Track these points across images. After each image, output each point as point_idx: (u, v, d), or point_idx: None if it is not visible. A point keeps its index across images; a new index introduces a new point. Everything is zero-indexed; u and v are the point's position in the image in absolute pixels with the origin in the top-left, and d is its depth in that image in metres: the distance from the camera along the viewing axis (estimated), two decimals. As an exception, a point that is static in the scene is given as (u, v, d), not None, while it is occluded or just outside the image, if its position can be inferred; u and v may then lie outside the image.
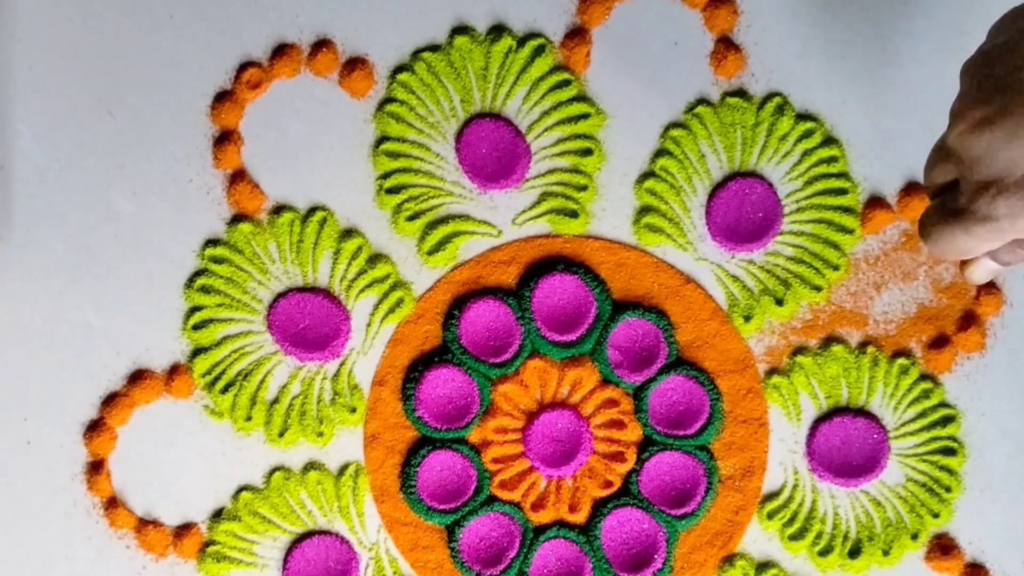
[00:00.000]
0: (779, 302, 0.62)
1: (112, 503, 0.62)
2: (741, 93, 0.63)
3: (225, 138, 0.63)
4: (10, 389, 0.62)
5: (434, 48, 0.63)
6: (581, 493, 0.62)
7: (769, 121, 0.63)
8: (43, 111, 0.63)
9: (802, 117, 0.63)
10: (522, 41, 0.63)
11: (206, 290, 0.62)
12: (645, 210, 0.63)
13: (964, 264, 0.50)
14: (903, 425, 0.62)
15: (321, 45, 0.63)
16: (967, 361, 0.63)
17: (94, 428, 0.62)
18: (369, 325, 0.63)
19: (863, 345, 0.63)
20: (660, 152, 0.63)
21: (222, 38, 0.63)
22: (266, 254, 0.63)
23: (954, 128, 0.44)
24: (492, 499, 0.62)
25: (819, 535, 0.62)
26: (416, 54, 0.63)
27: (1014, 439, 0.62)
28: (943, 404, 0.62)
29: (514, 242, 0.63)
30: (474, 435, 0.62)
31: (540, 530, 0.62)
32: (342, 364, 0.62)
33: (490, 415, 0.62)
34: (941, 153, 0.45)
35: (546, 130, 0.63)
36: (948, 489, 0.62)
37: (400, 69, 0.63)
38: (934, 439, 0.62)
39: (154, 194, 0.62)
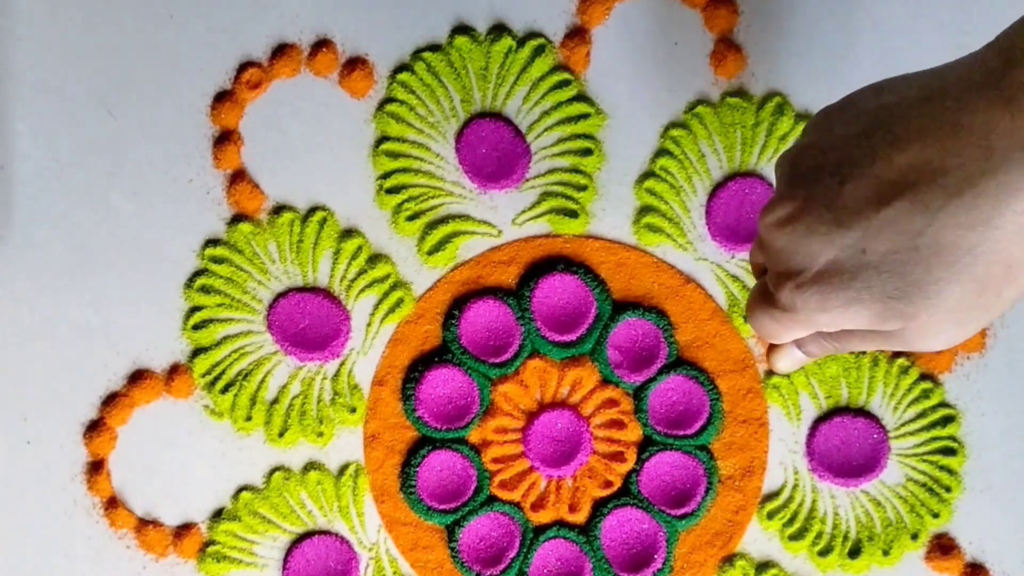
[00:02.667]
0: (779, 302, 0.62)
1: (112, 503, 0.62)
2: (741, 93, 0.63)
3: (225, 138, 0.63)
4: (10, 389, 0.62)
5: (434, 48, 0.63)
6: (581, 493, 0.62)
7: (769, 121, 0.63)
8: (43, 111, 0.63)
9: (802, 117, 0.63)
10: (522, 41, 0.63)
11: (206, 290, 0.62)
12: (645, 210, 0.63)
13: (771, 351, 0.51)
14: (903, 425, 0.62)
15: (321, 45, 0.63)
16: (967, 361, 0.63)
17: (94, 428, 0.62)
18: (369, 325, 0.63)
19: (863, 345, 0.63)
20: (660, 152, 0.63)
21: (222, 38, 0.63)
22: (266, 254, 0.63)
23: (762, 220, 0.45)
24: (492, 499, 0.62)
25: (819, 535, 0.62)
26: (416, 54, 0.63)
27: (1014, 439, 0.62)
28: (943, 404, 0.62)
29: (514, 242, 0.63)
30: (474, 435, 0.62)
31: (540, 530, 0.62)
32: (342, 364, 0.62)
33: (490, 415, 0.62)
34: (757, 240, 0.47)
35: (546, 130, 0.63)
36: (948, 489, 0.62)
37: (400, 69, 0.63)
38: (934, 439, 0.62)
39: (154, 194, 0.63)
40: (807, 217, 0.43)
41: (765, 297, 0.46)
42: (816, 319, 0.44)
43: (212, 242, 0.63)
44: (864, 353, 0.62)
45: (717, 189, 0.63)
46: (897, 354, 0.63)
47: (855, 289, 0.42)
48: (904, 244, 0.41)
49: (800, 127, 0.63)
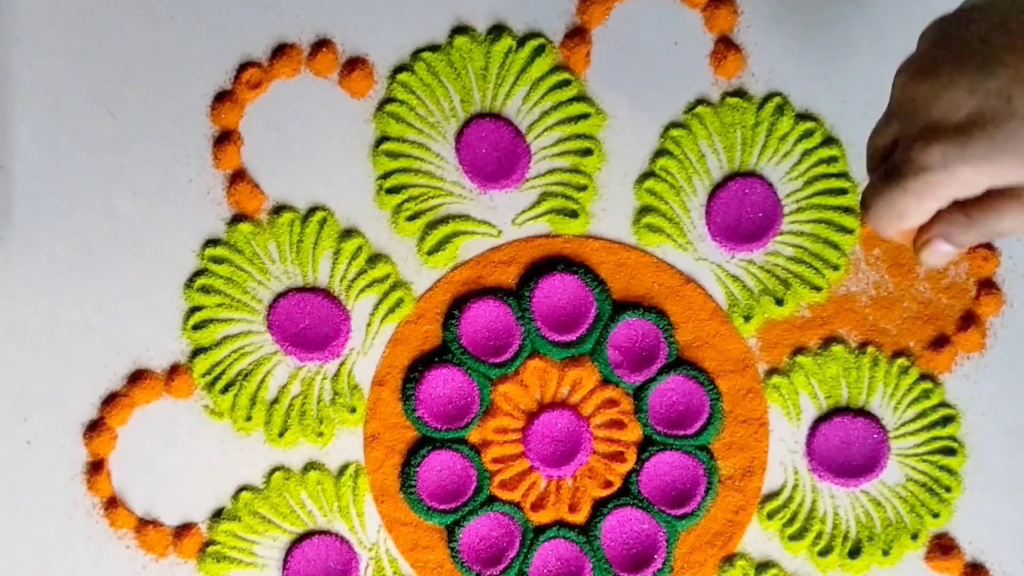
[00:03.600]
0: (779, 302, 0.62)
1: (112, 503, 0.62)
2: (741, 93, 0.63)
3: (225, 138, 0.63)
4: (10, 389, 0.62)
5: (434, 48, 0.63)
6: (581, 493, 0.62)
7: (769, 121, 0.63)
8: (43, 111, 0.63)
9: (802, 117, 0.63)
10: (522, 41, 0.63)
11: (206, 290, 0.62)
12: (645, 210, 0.63)
13: (918, 244, 0.46)
14: (903, 425, 0.62)
15: (321, 45, 0.63)
16: (967, 361, 0.63)
17: (94, 428, 0.62)
18: (369, 325, 0.63)
19: (863, 345, 0.63)
20: (660, 152, 0.63)
21: (222, 38, 0.63)
22: (266, 254, 0.63)
23: (899, 76, 0.43)
24: (492, 499, 0.62)
25: (819, 535, 0.62)
26: (416, 54, 0.63)
27: (1014, 439, 0.62)
28: (943, 404, 0.62)
29: (514, 242, 0.63)
30: (474, 435, 0.62)
31: (540, 530, 0.62)
32: (342, 364, 0.62)
33: (490, 415, 0.62)
34: (885, 113, 0.44)
35: (546, 130, 0.63)
36: (948, 489, 0.62)
37: (400, 69, 0.63)
38: (934, 439, 0.62)
39: (154, 194, 0.62)
40: (949, 66, 0.41)
41: (888, 173, 0.43)
42: (956, 174, 0.41)
43: (212, 242, 0.63)
44: (864, 352, 0.62)
45: (717, 189, 0.63)
46: (897, 354, 0.63)
47: (1000, 138, 0.40)
48: None
49: (800, 127, 0.63)
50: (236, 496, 0.62)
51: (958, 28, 0.42)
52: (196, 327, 0.62)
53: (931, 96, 0.42)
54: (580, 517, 0.62)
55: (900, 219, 0.44)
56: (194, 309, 0.62)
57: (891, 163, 0.43)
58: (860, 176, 0.63)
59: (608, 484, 0.62)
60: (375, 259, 0.63)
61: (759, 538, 0.62)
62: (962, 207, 0.43)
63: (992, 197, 0.42)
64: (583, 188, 0.63)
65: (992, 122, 0.40)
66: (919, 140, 0.42)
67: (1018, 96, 0.40)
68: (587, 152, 0.63)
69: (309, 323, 0.62)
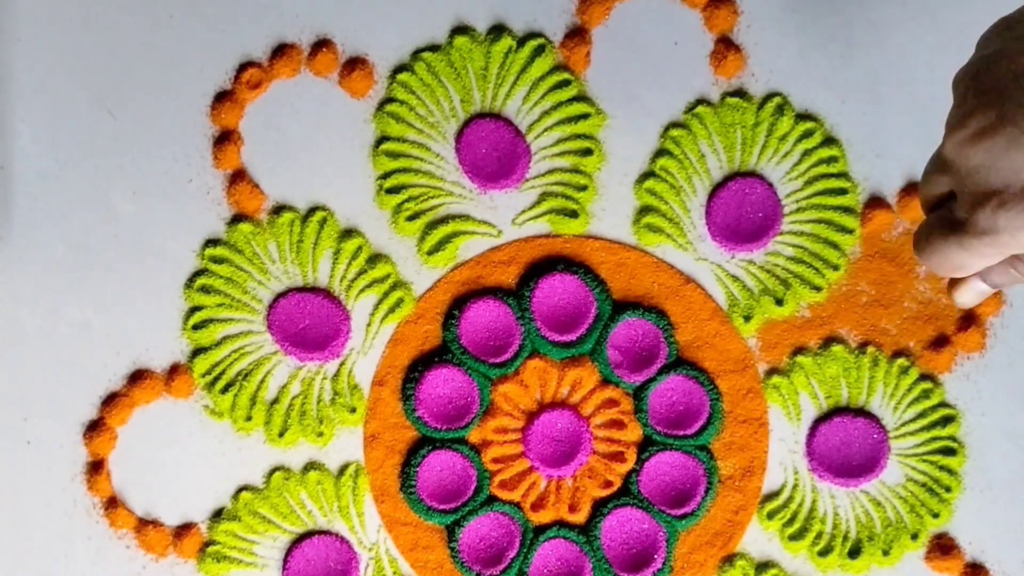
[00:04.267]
0: (779, 302, 0.63)
1: (112, 503, 0.62)
2: (741, 93, 0.63)
3: (225, 138, 0.63)
4: (10, 389, 0.62)
5: (434, 48, 0.63)
6: (581, 493, 0.62)
7: (769, 121, 0.63)
8: (43, 111, 0.63)
9: (802, 117, 0.63)
10: (522, 41, 0.63)
11: (206, 290, 0.62)
12: (645, 210, 0.63)
13: (953, 286, 0.48)
14: (903, 425, 0.62)
15: (321, 45, 0.63)
16: (967, 361, 0.63)
17: (94, 428, 0.62)
18: (369, 325, 0.63)
19: (863, 345, 0.63)
20: (660, 152, 0.63)
21: (222, 38, 0.63)
22: (266, 254, 0.63)
23: (951, 138, 0.42)
24: (492, 499, 0.62)
25: (819, 535, 0.62)
26: (416, 54, 0.63)
27: (1014, 439, 0.62)
28: (943, 404, 0.62)
29: (514, 242, 0.63)
30: (474, 435, 0.62)
31: (540, 530, 0.62)
32: (342, 364, 0.62)
33: (490, 415, 0.62)
34: (938, 164, 0.44)
35: (546, 130, 0.63)
36: (948, 489, 0.62)
37: (400, 69, 0.63)
38: (934, 439, 0.62)
39: (154, 194, 0.62)
40: (1006, 129, 0.40)
41: (949, 226, 0.43)
42: (1020, 239, 0.41)
43: (212, 242, 0.63)
44: (864, 352, 0.62)
45: (717, 189, 0.63)
46: (897, 354, 0.63)
47: None
48: None
49: (800, 127, 0.63)
50: (236, 496, 0.62)
51: (1001, 78, 0.41)
52: (196, 327, 0.62)
53: (990, 160, 0.41)
54: (580, 517, 0.62)
55: (957, 270, 0.44)
56: (194, 309, 0.62)
57: (953, 218, 0.43)
58: (860, 176, 0.63)
59: (608, 484, 0.62)
60: (375, 259, 0.63)
61: (759, 538, 0.62)
62: (1009, 260, 0.44)
63: None
64: (583, 188, 0.63)
65: None
66: (983, 204, 0.41)
67: None
68: (587, 152, 0.63)
69: (309, 323, 0.62)
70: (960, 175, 0.42)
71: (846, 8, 0.63)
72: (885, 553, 0.62)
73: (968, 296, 0.47)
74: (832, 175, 0.63)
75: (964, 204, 0.42)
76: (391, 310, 0.62)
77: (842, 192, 0.63)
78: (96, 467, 0.62)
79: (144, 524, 0.62)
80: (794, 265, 0.63)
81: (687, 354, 0.63)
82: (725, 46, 0.63)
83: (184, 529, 0.62)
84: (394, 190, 0.63)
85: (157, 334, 0.62)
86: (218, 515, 0.62)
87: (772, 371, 0.63)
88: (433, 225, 0.63)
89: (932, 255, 0.44)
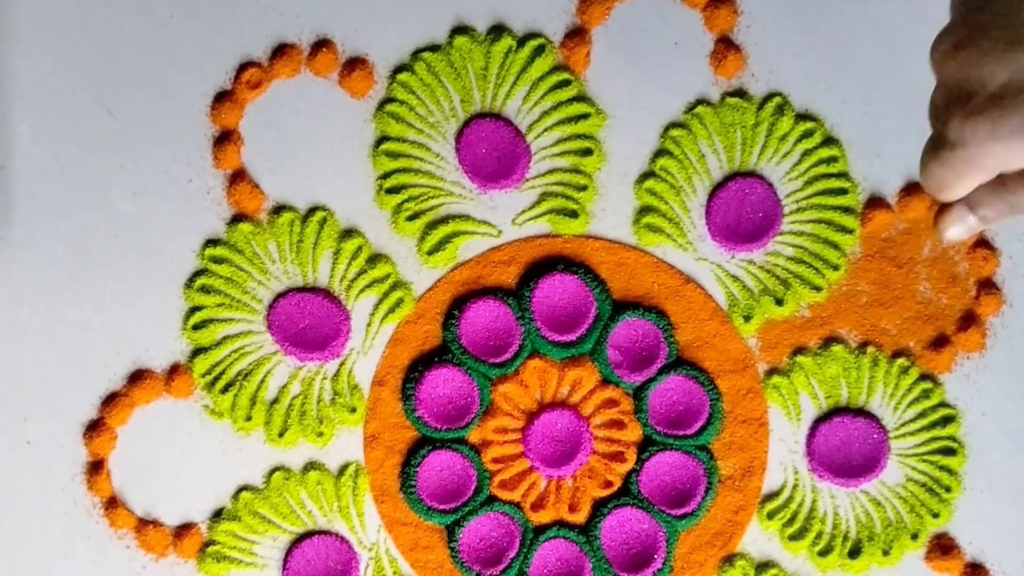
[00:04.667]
0: (779, 302, 0.63)
1: (112, 503, 0.62)
2: (741, 93, 0.63)
3: (225, 138, 0.63)
4: (10, 389, 0.62)
5: (434, 48, 0.63)
6: (581, 493, 0.62)
7: (769, 121, 0.63)
8: (43, 111, 0.63)
9: (802, 117, 0.63)
10: (522, 41, 0.63)
11: (206, 290, 0.62)
12: (645, 210, 0.63)
13: (940, 216, 0.46)
14: (903, 425, 0.62)
15: (321, 45, 0.63)
16: (967, 361, 0.63)
17: (94, 428, 0.62)
18: (369, 325, 0.63)
19: (863, 345, 0.63)
20: (660, 152, 0.63)
21: (222, 38, 0.63)
22: (266, 254, 0.63)
23: (934, 54, 0.42)
24: (492, 499, 0.62)
25: (819, 535, 0.62)
26: (416, 54, 0.63)
27: (1014, 439, 0.62)
28: (943, 404, 0.62)
29: (514, 242, 0.63)
30: (474, 435, 0.62)
31: (540, 530, 0.62)
32: (342, 364, 0.62)
33: (490, 415, 0.62)
34: (936, 86, 0.44)
35: (546, 130, 0.63)
36: (948, 489, 0.62)
37: (400, 69, 0.63)
38: (934, 439, 0.62)
39: (154, 194, 0.63)
40: (981, 40, 0.40)
41: (931, 143, 0.43)
42: (988, 150, 0.41)
43: (212, 242, 0.63)
44: (864, 352, 0.62)
45: (717, 189, 0.63)
46: (897, 354, 0.63)
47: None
48: None
49: (800, 127, 0.63)
50: (236, 496, 0.62)
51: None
52: (196, 327, 0.62)
53: (963, 70, 0.41)
54: (580, 517, 0.62)
55: (943, 190, 0.43)
56: (194, 309, 0.62)
57: (932, 135, 0.43)
58: (860, 176, 0.63)
59: (608, 484, 0.62)
60: (375, 259, 0.63)
61: (759, 538, 0.62)
62: (1000, 180, 0.43)
63: None
64: (583, 188, 0.63)
65: (1022, 96, 0.39)
66: (954, 115, 0.41)
67: None
68: (587, 152, 0.63)
69: (309, 323, 0.62)
70: (941, 84, 0.42)
71: (846, 8, 0.63)
72: (885, 553, 0.62)
73: (954, 228, 0.45)
74: (832, 175, 0.63)
75: (941, 118, 0.42)
76: (391, 310, 0.62)
77: (842, 192, 0.63)
78: (96, 467, 0.62)
79: (144, 524, 0.62)
80: (794, 265, 0.63)
81: (687, 354, 0.63)
82: (725, 46, 0.63)
83: (184, 529, 0.62)
84: (394, 190, 0.63)
85: (157, 334, 0.62)
86: (218, 515, 0.62)
87: (772, 371, 0.63)
88: (433, 225, 0.63)
89: (922, 175, 0.44)
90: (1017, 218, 0.46)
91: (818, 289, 0.63)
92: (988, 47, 0.40)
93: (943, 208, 0.45)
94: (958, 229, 0.45)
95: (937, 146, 0.42)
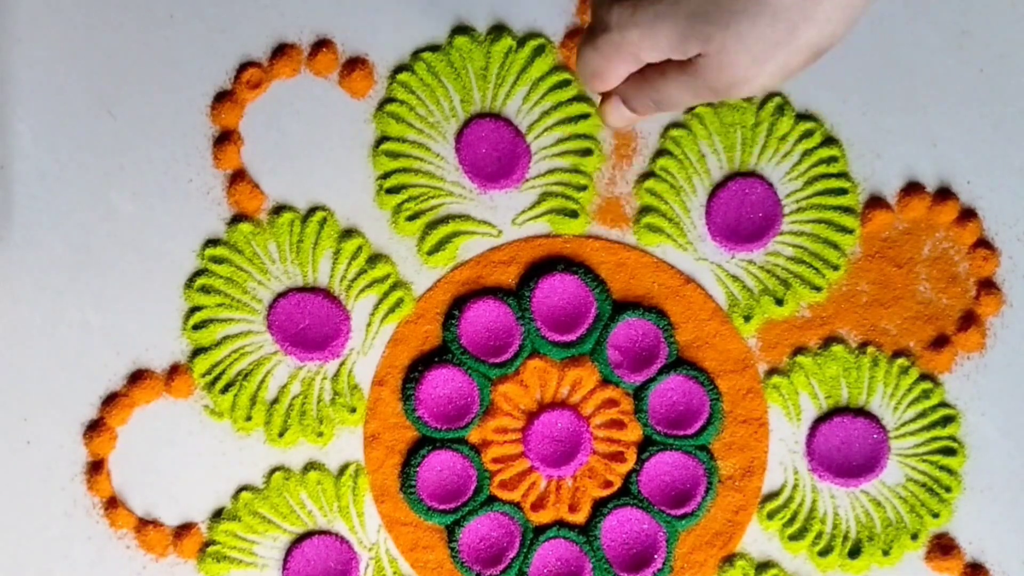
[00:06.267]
0: (779, 302, 0.63)
1: (112, 503, 0.62)
2: (741, 93, 0.63)
3: (225, 138, 0.63)
4: (10, 389, 0.62)
5: (434, 48, 0.63)
6: (581, 493, 0.62)
7: (769, 121, 0.63)
8: (43, 111, 0.63)
9: (802, 117, 0.63)
10: (522, 41, 0.63)
11: (206, 290, 0.62)
12: (645, 210, 0.63)
13: (602, 104, 0.49)
14: (903, 425, 0.62)
15: (321, 45, 0.63)
16: (967, 361, 0.63)
17: (94, 428, 0.62)
18: (369, 325, 0.63)
19: (863, 345, 0.63)
20: (660, 152, 0.63)
21: (222, 38, 0.63)
22: (266, 254, 0.63)
23: None
24: (492, 499, 0.62)
25: (819, 535, 0.62)
26: (416, 54, 0.63)
27: (1014, 439, 0.62)
28: (943, 404, 0.62)
29: (514, 242, 0.63)
30: (474, 435, 0.62)
31: (540, 530, 0.62)
32: (342, 364, 0.62)
33: (490, 415, 0.62)
34: None
35: (546, 130, 0.63)
36: (948, 489, 0.62)
37: (400, 69, 0.63)
38: (934, 439, 0.62)
39: (154, 194, 0.63)
40: None
41: (591, 29, 0.46)
42: (629, 36, 0.43)
43: (212, 242, 0.63)
44: (864, 352, 0.62)
45: (717, 189, 0.63)
46: (897, 354, 0.63)
47: (665, 3, 0.42)
48: None
49: (800, 127, 0.63)
50: (236, 496, 0.62)
51: None
52: (196, 327, 0.62)
53: None
54: (580, 517, 0.62)
55: (594, 78, 0.46)
56: (194, 309, 0.62)
57: (590, 22, 0.46)
58: (860, 176, 0.63)
59: (608, 484, 0.62)
60: (375, 259, 0.63)
61: (759, 538, 0.62)
62: (644, 73, 0.46)
63: (667, 64, 0.44)
64: (583, 188, 0.63)
65: None
66: (603, 2, 0.44)
67: None
68: (587, 152, 0.63)
69: (309, 323, 0.62)
70: None
71: (846, 8, 0.62)
72: (885, 553, 0.62)
73: (614, 115, 0.49)
74: (832, 175, 0.63)
75: (594, 3, 0.45)
76: (391, 310, 0.62)
77: (842, 192, 0.63)
78: (96, 467, 0.62)
79: (144, 524, 0.62)
80: (794, 265, 0.63)
81: (687, 354, 0.63)
82: (725, 46, 0.63)
83: (184, 529, 0.62)
84: (394, 190, 0.63)
85: (157, 334, 0.62)
86: (218, 515, 0.62)
87: (772, 371, 0.63)
88: (433, 225, 0.63)
89: (577, 63, 0.46)
90: (667, 113, 0.50)
91: (818, 289, 0.63)
92: None
93: (604, 97, 0.48)
94: (616, 116, 0.49)
95: (587, 29, 0.45)
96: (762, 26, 0.42)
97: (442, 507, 0.62)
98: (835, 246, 0.63)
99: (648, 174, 0.63)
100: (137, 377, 0.62)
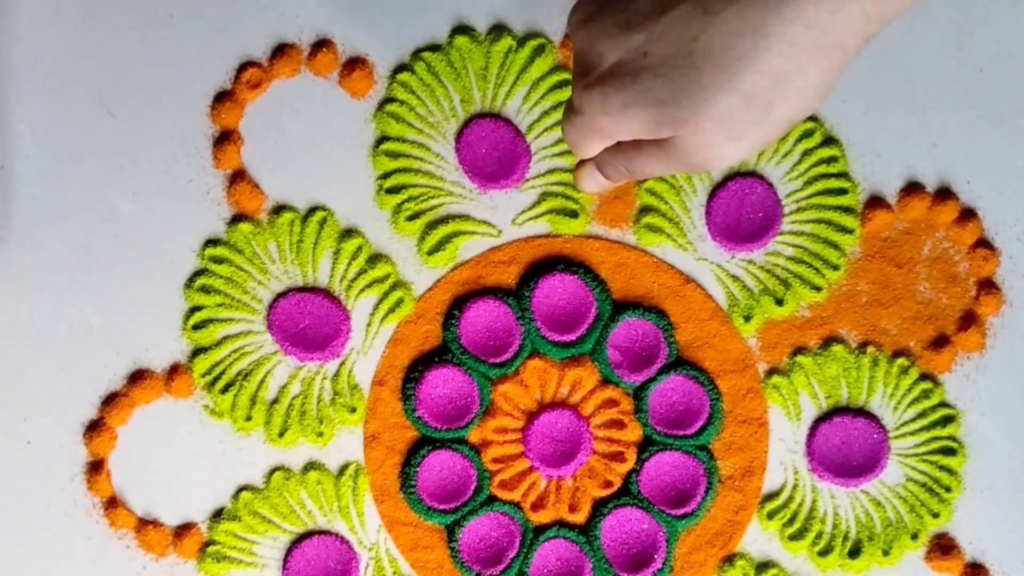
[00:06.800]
0: (779, 302, 0.63)
1: (112, 503, 0.62)
2: (741, 93, 0.63)
3: (225, 138, 0.63)
4: (10, 389, 0.62)
5: (434, 48, 0.63)
6: (581, 493, 0.62)
7: (769, 121, 0.63)
8: (43, 111, 0.63)
9: (802, 117, 0.63)
10: (522, 41, 0.63)
11: (206, 290, 0.62)
12: (645, 210, 0.63)
13: (578, 169, 0.50)
14: (903, 425, 0.62)
15: (321, 45, 0.63)
16: (967, 361, 0.63)
17: (94, 428, 0.62)
18: (369, 325, 0.63)
19: (863, 345, 0.63)
20: (660, 152, 0.63)
21: (222, 38, 0.63)
22: (266, 254, 0.63)
23: (569, 22, 0.45)
24: (492, 499, 0.62)
25: (819, 535, 0.62)
26: (416, 54, 0.63)
27: (1014, 439, 0.62)
28: (943, 404, 0.62)
29: (514, 242, 0.63)
30: (474, 435, 0.62)
31: (540, 530, 0.62)
32: (342, 364, 0.62)
33: (490, 415, 0.62)
34: None
35: (546, 130, 0.63)
36: (948, 489, 0.62)
37: (400, 69, 0.63)
38: (934, 439, 0.62)
39: (154, 194, 0.63)
40: (604, 18, 0.44)
41: (568, 104, 0.47)
42: (600, 122, 0.44)
43: (212, 242, 0.63)
44: (864, 352, 0.62)
45: (717, 189, 0.63)
46: (897, 354, 0.63)
47: (634, 92, 0.43)
48: (681, 48, 0.41)
49: (799, 127, 0.63)
50: (236, 496, 0.62)
51: None
52: (196, 327, 0.62)
53: (587, 44, 0.44)
54: (580, 517, 0.62)
55: (575, 149, 0.47)
56: (194, 309, 0.62)
57: (568, 98, 0.47)
58: (860, 176, 0.63)
59: (608, 484, 0.62)
60: (375, 259, 0.63)
61: (759, 538, 0.62)
62: (619, 146, 0.46)
63: (643, 140, 0.45)
64: (583, 188, 0.63)
65: (630, 75, 0.43)
66: (577, 85, 0.45)
67: (652, 53, 0.42)
68: (587, 152, 0.63)
69: (309, 323, 0.62)
70: (574, 57, 0.46)
71: (846, 8, 0.62)
72: (885, 553, 0.62)
73: (587, 183, 0.50)
74: (832, 175, 0.63)
75: (573, 84, 0.46)
76: (391, 310, 0.62)
77: (842, 192, 0.63)
78: (96, 467, 0.62)
79: (144, 524, 0.62)
80: (794, 265, 0.63)
81: (687, 354, 0.63)
82: (725, 46, 0.63)
83: (184, 529, 0.62)
84: (394, 190, 0.63)
85: (157, 334, 0.62)
86: (218, 515, 0.62)
87: (772, 371, 0.63)
88: (433, 225, 0.63)
89: (562, 132, 0.47)
90: (639, 179, 0.51)
91: (818, 289, 0.63)
92: (607, 26, 0.44)
93: (580, 163, 0.50)
94: (590, 184, 0.50)
95: (570, 110, 0.46)
96: (735, 108, 0.42)
97: (442, 507, 0.62)
98: (835, 246, 0.63)
99: (648, 174, 0.63)
100: (137, 377, 0.62)
